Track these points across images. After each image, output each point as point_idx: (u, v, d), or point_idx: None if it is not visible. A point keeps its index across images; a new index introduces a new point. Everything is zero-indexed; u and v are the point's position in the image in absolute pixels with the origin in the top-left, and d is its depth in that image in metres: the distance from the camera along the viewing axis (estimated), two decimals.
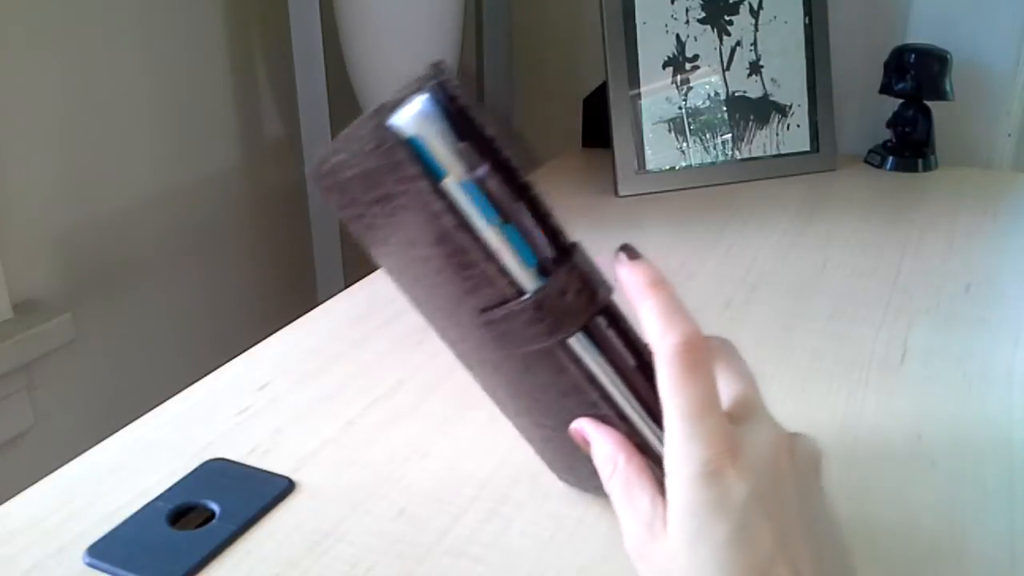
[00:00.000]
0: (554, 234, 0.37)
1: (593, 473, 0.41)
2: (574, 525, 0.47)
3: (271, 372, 0.63)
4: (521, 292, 0.36)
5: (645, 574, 0.35)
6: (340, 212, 0.42)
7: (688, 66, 1.04)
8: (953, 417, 0.57)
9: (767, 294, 0.75)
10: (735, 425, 0.35)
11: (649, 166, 1.02)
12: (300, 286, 1.31)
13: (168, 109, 1.07)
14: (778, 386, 0.60)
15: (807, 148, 1.08)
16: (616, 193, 1.00)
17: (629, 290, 0.36)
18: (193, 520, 0.48)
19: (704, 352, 0.35)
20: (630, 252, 0.37)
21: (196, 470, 0.52)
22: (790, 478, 0.35)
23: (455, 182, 0.35)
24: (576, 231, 0.38)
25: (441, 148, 0.35)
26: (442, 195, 0.35)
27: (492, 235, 0.36)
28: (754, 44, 1.06)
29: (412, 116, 0.35)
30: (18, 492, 0.50)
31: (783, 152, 1.07)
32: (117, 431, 0.56)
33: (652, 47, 1.02)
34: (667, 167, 1.03)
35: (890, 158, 1.08)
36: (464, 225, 0.36)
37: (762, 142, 1.06)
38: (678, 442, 0.34)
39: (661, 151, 1.03)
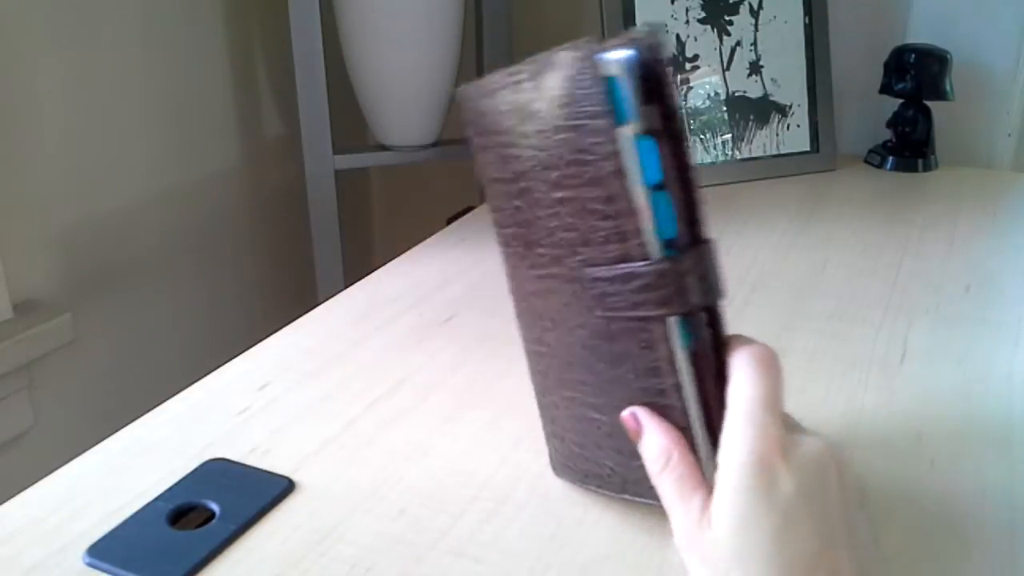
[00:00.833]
0: (694, 220, 0.38)
1: (616, 463, 0.41)
2: (574, 525, 0.47)
3: (271, 372, 0.63)
4: (646, 257, 0.37)
5: (692, 566, 0.36)
6: (478, 136, 0.42)
7: (688, 66, 1.04)
8: (953, 417, 0.57)
9: (767, 294, 0.75)
10: (790, 433, 0.36)
11: None
12: (300, 286, 1.31)
13: (168, 109, 1.07)
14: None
15: (807, 148, 1.08)
16: None
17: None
18: (193, 520, 0.48)
19: (777, 361, 0.37)
20: None
21: (196, 470, 0.52)
22: (836, 489, 0.36)
23: (631, 132, 0.36)
24: None
25: (632, 98, 0.36)
26: (616, 138, 0.36)
27: (642, 195, 0.37)
28: (754, 44, 1.06)
29: (618, 60, 0.36)
30: (18, 492, 0.50)
31: (783, 152, 1.07)
32: (117, 431, 0.56)
33: None
34: None
35: (890, 158, 1.08)
36: (623, 174, 0.37)
37: (762, 142, 1.06)
38: (736, 431, 0.35)
39: None
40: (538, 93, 0.38)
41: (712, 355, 0.39)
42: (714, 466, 0.39)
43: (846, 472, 0.37)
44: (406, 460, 0.53)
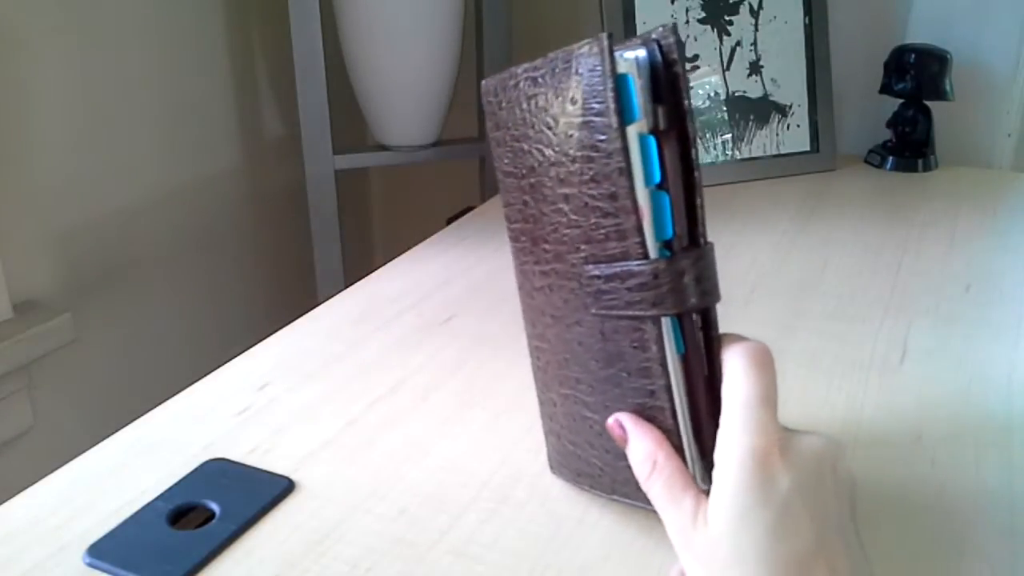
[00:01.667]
0: (694, 222, 0.38)
1: (604, 463, 0.41)
2: (574, 525, 0.47)
3: (271, 372, 0.63)
4: (644, 257, 0.37)
5: (689, 565, 0.36)
6: (495, 131, 0.43)
7: (688, 66, 1.04)
8: (953, 417, 0.57)
9: (767, 294, 0.75)
10: (787, 431, 0.36)
11: None
12: (300, 286, 1.31)
13: (168, 109, 1.07)
14: (778, 386, 0.60)
15: (807, 148, 1.08)
16: None
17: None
18: (193, 520, 0.48)
19: (772, 358, 0.37)
20: None
21: (196, 470, 0.52)
22: (831, 487, 0.36)
23: (638, 131, 0.37)
24: None
25: (642, 97, 0.37)
26: (623, 136, 0.36)
27: (644, 194, 0.37)
28: (754, 44, 1.06)
29: (631, 58, 0.37)
30: (18, 492, 0.50)
31: (783, 152, 1.07)
32: (117, 431, 0.56)
33: None
34: None
35: (890, 158, 1.08)
36: (627, 172, 0.37)
37: (762, 142, 1.06)
38: (733, 428, 0.35)
39: None
40: (553, 88, 0.38)
41: (704, 358, 0.39)
42: (703, 467, 0.39)
43: (841, 471, 0.37)
44: (406, 460, 0.53)
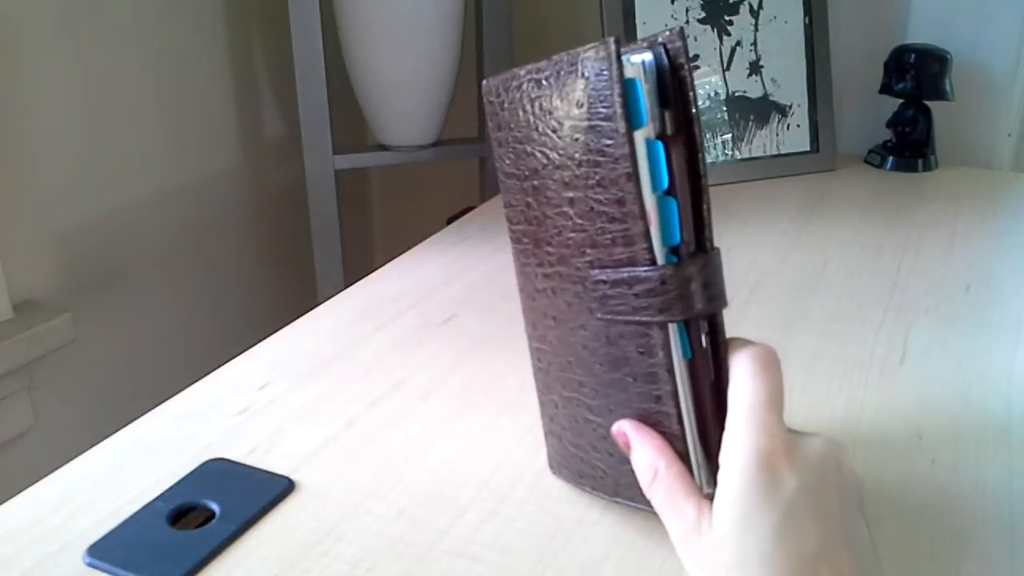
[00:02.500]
0: (702, 228, 0.38)
1: (608, 466, 0.41)
2: (574, 525, 0.47)
3: (271, 372, 0.63)
4: (651, 262, 0.37)
5: (692, 570, 0.36)
6: (497, 131, 0.42)
7: None
8: (953, 417, 0.57)
9: (767, 294, 0.75)
10: (792, 433, 0.36)
11: None
12: (300, 286, 1.31)
13: (169, 109, 1.07)
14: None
15: (807, 148, 1.08)
16: None
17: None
18: (193, 520, 0.48)
19: (778, 361, 0.37)
20: None
21: (196, 470, 0.52)
22: (836, 489, 0.36)
23: (645, 136, 0.36)
24: None
25: (650, 101, 0.36)
26: (630, 141, 0.36)
27: (651, 199, 0.37)
28: (754, 44, 1.06)
29: (637, 62, 0.37)
30: (18, 492, 0.50)
31: (783, 152, 1.07)
32: (117, 431, 0.56)
33: None
34: None
35: (890, 158, 1.08)
36: (634, 178, 0.36)
37: (762, 142, 1.06)
38: (739, 430, 0.35)
39: None
40: (558, 91, 0.38)
41: (710, 363, 0.39)
42: (709, 471, 0.39)
43: (846, 473, 0.37)
44: (406, 460, 0.53)
